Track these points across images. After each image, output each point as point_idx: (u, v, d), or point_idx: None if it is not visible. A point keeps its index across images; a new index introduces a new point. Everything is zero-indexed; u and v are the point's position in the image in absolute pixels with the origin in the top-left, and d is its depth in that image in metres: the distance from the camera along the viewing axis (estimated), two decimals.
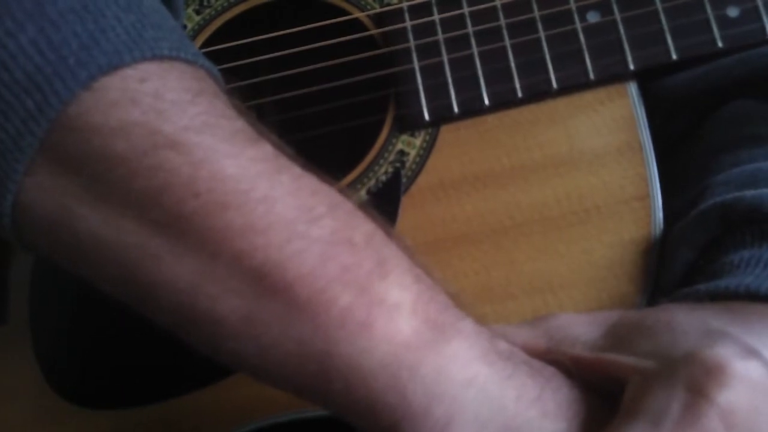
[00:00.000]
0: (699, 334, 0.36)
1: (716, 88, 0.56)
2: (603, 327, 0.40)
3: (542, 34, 0.56)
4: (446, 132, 0.56)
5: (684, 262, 0.49)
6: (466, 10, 0.57)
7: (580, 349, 0.39)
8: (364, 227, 0.37)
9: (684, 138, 0.57)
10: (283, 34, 0.59)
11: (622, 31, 0.55)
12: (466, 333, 0.37)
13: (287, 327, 0.35)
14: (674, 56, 0.54)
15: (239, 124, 0.38)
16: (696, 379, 0.34)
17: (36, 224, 0.37)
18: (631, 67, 0.55)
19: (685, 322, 0.38)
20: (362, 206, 0.39)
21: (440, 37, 0.57)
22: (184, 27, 0.60)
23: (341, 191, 0.39)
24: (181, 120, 0.36)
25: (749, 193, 0.48)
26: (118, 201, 0.36)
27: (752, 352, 0.35)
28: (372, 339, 0.35)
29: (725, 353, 0.34)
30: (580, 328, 0.40)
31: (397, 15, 0.58)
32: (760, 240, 0.46)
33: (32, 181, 0.36)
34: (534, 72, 0.55)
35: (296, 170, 0.38)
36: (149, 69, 0.37)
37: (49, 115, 0.35)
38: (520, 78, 0.55)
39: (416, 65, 0.56)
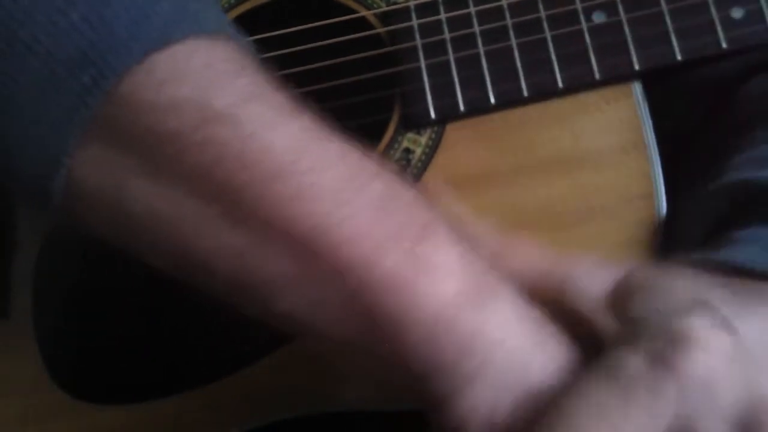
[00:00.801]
0: (684, 303, 0.37)
1: (734, 73, 0.56)
2: (614, 282, 0.40)
3: (548, 34, 0.56)
4: (452, 130, 0.56)
5: (695, 238, 0.50)
6: (472, 9, 0.57)
7: (585, 304, 0.39)
8: (407, 192, 0.39)
9: (703, 125, 0.57)
10: (289, 32, 0.59)
11: (627, 31, 0.55)
12: (504, 296, 0.38)
13: (334, 286, 0.36)
14: (679, 57, 0.55)
15: (282, 96, 0.39)
16: (658, 345, 0.34)
17: (88, 199, 0.38)
18: (637, 67, 0.55)
19: (683, 287, 0.38)
20: (401, 173, 0.40)
21: (447, 35, 0.57)
22: None
23: (380, 160, 0.40)
24: (228, 94, 0.37)
25: (759, 174, 0.48)
26: (171, 175, 0.37)
27: (725, 326, 0.35)
28: (415, 297, 0.36)
29: (696, 323, 0.35)
30: (593, 281, 0.40)
31: (403, 13, 0.58)
32: (762, 220, 0.47)
33: (86, 155, 0.37)
34: (540, 71, 0.55)
35: (339, 139, 0.39)
36: (197, 44, 0.37)
37: (105, 87, 0.36)
38: (526, 77, 0.56)
39: (422, 64, 0.57)
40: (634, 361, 0.34)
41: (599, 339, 0.38)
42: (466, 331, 0.36)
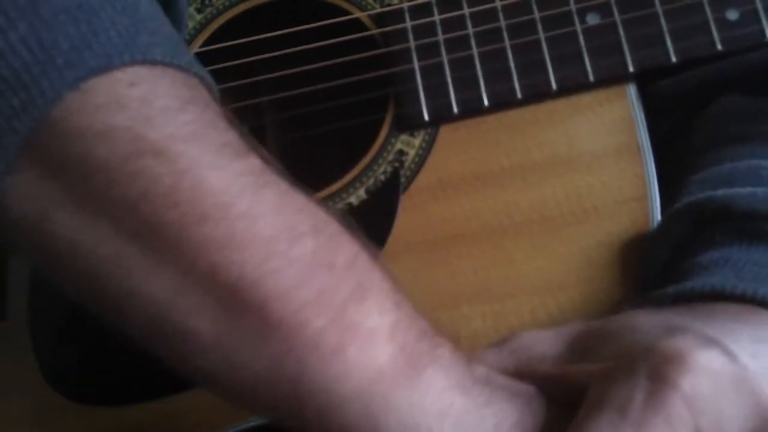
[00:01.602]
0: (660, 330, 0.36)
1: (705, 85, 0.56)
2: (567, 340, 0.40)
3: (542, 36, 0.56)
4: (445, 132, 0.56)
5: (662, 260, 0.49)
6: (466, 11, 0.57)
7: (547, 365, 0.38)
8: (346, 249, 0.37)
9: (672, 137, 0.57)
10: (284, 34, 0.59)
11: (621, 33, 0.55)
12: (441, 361, 0.36)
13: (260, 346, 0.34)
14: (673, 58, 0.54)
15: (228, 136, 0.37)
16: (657, 367, 0.34)
17: (14, 225, 0.36)
18: (631, 69, 0.55)
19: (646, 322, 0.38)
20: (348, 226, 0.38)
21: (440, 37, 0.57)
22: (186, 26, 0.61)
23: (328, 211, 0.38)
24: (167, 128, 0.35)
25: (720, 192, 0.48)
26: (96, 207, 0.35)
27: (712, 342, 0.35)
28: (345, 365, 0.34)
29: (685, 344, 0.34)
30: (545, 344, 0.40)
31: (397, 15, 0.58)
32: (729, 239, 0.47)
33: (13, 181, 0.35)
34: (533, 73, 0.55)
35: (282, 186, 0.37)
36: (140, 73, 0.36)
37: (33, 115, 0.34)
38: (519, 79, 0.55)
39: (416, 65, 0.57)
40: (637, 390, 0.33)
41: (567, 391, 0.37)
42: (405, 404, 0.34)
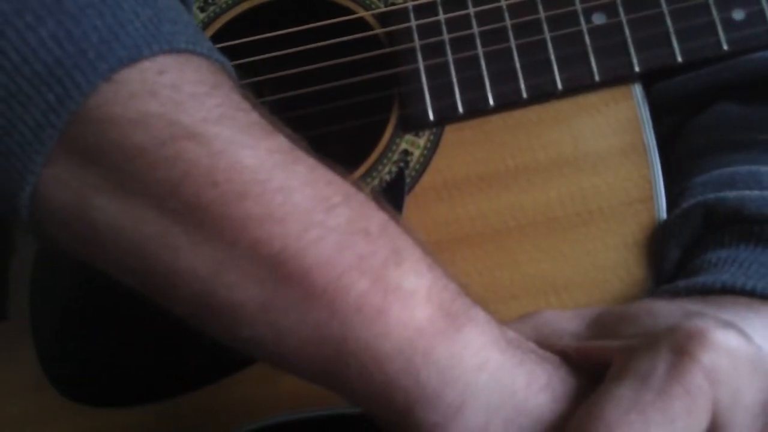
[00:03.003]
0: (678, 315, 0.37)
1: (703, 90, 0.57)
2: (587, 319, 0.41)
3: (548, 35, 0.56)
4: (450, 132, 0.56)
5: (673, 260, 0.50)
6: (471, 10, 0.57)
7: (567, 341, 0.39)
8: (378, 217, 0.38)
9: (667, 140, 0.57)
10: (288, 33, 0.59)
11: (627, 33, 0.55)
12: (477, 320, 0.37)
13: (304, 313, 0.36)
14: (679, 59, 0.54)
15: (255, 116, 0.39)
16: (679, 341, 0.35)
17: (55, 216, 0.37)
18: (637, 69, 0.55)
19: (664, 308, 0.39)
20: (375, 197, 0.39)
21: (445, 37, 0.57)
22: None
23: (354, 182, 0.39)
24: (198, 111, 0.37)
25: (731, 194, 0.49)
26: (136, 191, 0.36)
27: (729, 324, 0.36)
28: (387, 324, 0.35)
29: (705, 324, 0.35)
30: (566, 322, 0.41)
31: (402, 14, 0.58)
32: (737, 240, 0.48)
33: (51, 172, 0.36)
34: (539, 73, 0.55)
35: (311, 161, 0.38)
36: (167, 62, 0.37)
37: (70, 107, 0.36)
38: (525, 79, 0.55)
39: (421, 65, 0.56)
40: (660, 361, 0.34)
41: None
42: (444, 359, 0.36)
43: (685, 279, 0.46)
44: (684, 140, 0.57)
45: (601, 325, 0.40)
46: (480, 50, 0.56)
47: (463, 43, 0.56)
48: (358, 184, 0.39)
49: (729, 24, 0.54)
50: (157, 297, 0.38)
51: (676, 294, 0.45)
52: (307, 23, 0.59)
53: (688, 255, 0.50)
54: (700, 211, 0.50)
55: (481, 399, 0.35)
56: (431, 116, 0.56)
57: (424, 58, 0.57)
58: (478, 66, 0.56)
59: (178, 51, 0.38)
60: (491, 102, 0.55)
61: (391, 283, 0.36)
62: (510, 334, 0.38)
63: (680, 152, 0.57)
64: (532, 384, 0.36)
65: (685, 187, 0.53)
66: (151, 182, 0.36)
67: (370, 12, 0.59)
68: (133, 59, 0.36)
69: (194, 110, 0.36)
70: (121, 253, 0.37)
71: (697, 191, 0.52)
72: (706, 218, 0.49)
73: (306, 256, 0.35)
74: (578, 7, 0.56)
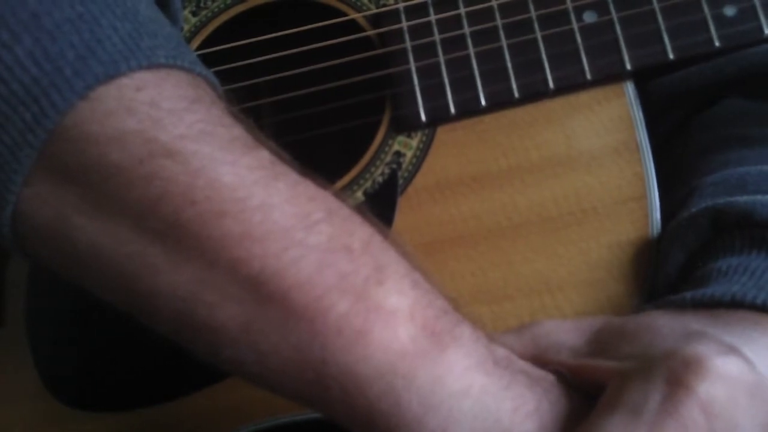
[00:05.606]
0: (679, 335, 0.37)
1: (707, 86, 0.56)
2: (587, 333, 0.40)
3: (539, 35, 0.55)
4: (443, 133, 0.56)
5: (676, 264, 0.49)
6: (462, 10, 0.57)
7: (565, 355, 0.39)
8: (361, 232, 0.37)
9: (673, 136, 0.57)
10: (280, 36, 0.59)
11: (618, 31, 0.55)
12: (463, 340, 0.36)
13: (285, 334, 0.35)
14: (671, 56, 0.54)
15: (236, 131, 0.38)
16: (675, 371, 0.34)
17: (35, 234, 0.37)
18: (628, 67, 0.54)
19: (666, 325, 0.38)
20: (359, 210, 0.39)
21: (437, 37, 0.57)
22: (181, 29, 0.60)
23: (338, 196, 0.39)
24: (177, 128, 0.36)
25: (741, 198, 0.48)
26: (114, 210, 0.36)
27: (732, 349, 0.35)
28: (368, 347, 0.35)
29: (704, 350, 0.34)
30: (565, 334, 0.40)
31: (393, 16, 0.58)
32: (749, 247, 0.46)
33: (31, 191, 0.36)
34: (531, 72, 0.55)
35: (293, 176, 0.38)
36: (145, 78, 0.37)
37: (47, 126, 0.35)
38: (516, 78, 0.55)
39: (413, 66, 0.56)
40: (653, 393, 0.33)
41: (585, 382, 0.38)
42: (427, 383, 0.35)
43: (692, 288, 0.45)
44: (690, 137, 0.57)
45: (600, 341, 0.39)
46: (471, 50, 0.56)
47: (454, 44, 0.56)
48: (342, 198, 0.38)
49: (720, 20, 0.54)
50: (139, 316, 0.38)
51: (682, 306, 0.43)
52: (299, 26, 0.59)
53: (693, 260, 0.48)
54: (708, 216, 0.48)
55: (464, 426, 0.35)
56: (423, 117, 0.56)
57: (416, 59, 0.56)
58: (470, 66, 0.56)
59: (157, 66, 0.37)
60: (483, 102, 0.55)
61: (372, 303, 0.35)
62: (499, 352, 0.38)
63: (686, 149, 0.56)
64: (519, 409, 0.36)
65: (693, 187, 0.52)
66: (129, 201, 0.35)
67: (361, 14, 0.59)
68: (111, 76, 0.36)
69: (172, 127, 0.36)
70: (101, 272, 0.37)
71: (706, 193, 0.51)
72: (715, 222, 0.48)
73: (286, 276, 0.35)
74: (569, 5, 0.56)
